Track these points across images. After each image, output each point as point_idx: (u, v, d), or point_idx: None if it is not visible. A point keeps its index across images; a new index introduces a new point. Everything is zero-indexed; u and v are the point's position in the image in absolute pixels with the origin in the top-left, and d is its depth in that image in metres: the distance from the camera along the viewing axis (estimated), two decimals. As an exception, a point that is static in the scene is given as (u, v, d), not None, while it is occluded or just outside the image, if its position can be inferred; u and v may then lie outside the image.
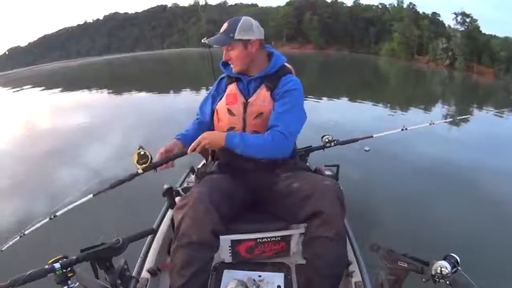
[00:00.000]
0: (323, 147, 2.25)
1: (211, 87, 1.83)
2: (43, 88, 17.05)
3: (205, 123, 1.77)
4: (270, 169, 1.61)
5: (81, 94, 14.24)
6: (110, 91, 14.39)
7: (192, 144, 1.48)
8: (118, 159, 4.92)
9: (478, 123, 7.75)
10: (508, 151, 5.71)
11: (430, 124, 2.64)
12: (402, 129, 2.51)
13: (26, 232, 1.88)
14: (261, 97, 1.57)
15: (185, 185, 2.20)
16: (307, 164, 2.06)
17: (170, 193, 1.84)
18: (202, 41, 1.66)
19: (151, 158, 1.54)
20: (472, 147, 5.95)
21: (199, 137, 1.47)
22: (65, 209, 2.00)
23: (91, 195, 1.93)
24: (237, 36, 1.52)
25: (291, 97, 1.54)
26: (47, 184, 4.28)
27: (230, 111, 1.60)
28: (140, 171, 1.57)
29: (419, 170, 4.51)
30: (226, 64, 1.68)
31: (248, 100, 1.58)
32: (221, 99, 1.67)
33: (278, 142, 1.45)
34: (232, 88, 1.63)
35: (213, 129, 1.71)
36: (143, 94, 12.97)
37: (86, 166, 4.89)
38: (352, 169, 3.98)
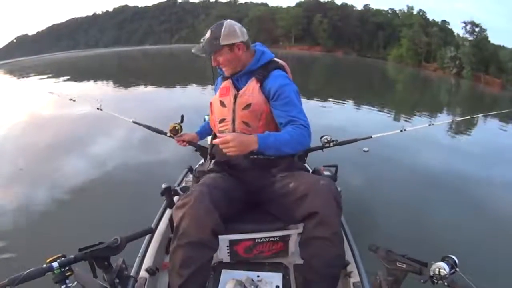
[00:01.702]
0: (321, 148, 2.25)
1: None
2: (50, 76, 17.08)
3: None
4: (267, 167, 1.61)
5: (88, 84, 14.28)
6: (117, 83, 14.40)
7: (218, 141, 1.40)
8: (124, 149, 5.02)
9: (477, 128, 7.79)
10: (506, 156, 5.72)
11: (429, 125, 2.65)
12: (401, 130, 2.51)
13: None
14: (250, 88, 1.59)
15: (183, 184, 2.21)
16: (306, 164, 2.06)
17: (168, 192, 1.83)
18: (201, 40, 1.67)
19: (179, 133, 2.10)
20: (471, 151, 5.97)
21: (226, 137, 1.37)
22: (109, 112, 2.68)
23: (131, 120, 2.49)
24: (222, 41, 1.54)
25: (288, 92, 1.56)
26: (50, 173, 4.35)
27: (222, 103, 1.65)
28: (168, 134, 2.14)
29: (418, 172, 4.52)
30: None
31: (238, 93, 1.61)
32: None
33: (306, 134, 1.49)
34: (226, 82, 1.69)
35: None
36: (150, 88, 12.95)
37: (89, 156, 4.95)
38: (352, 170, 3.99)
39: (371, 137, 2.44)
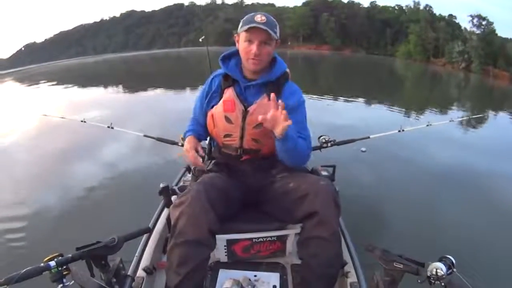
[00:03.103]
0: (319, 148, 2.25)
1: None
2: (59, 83, 17.16)
3: (201, 123, 1.71)
4: (267, 169, 1.61)
5: (97, 90, 14.38)
6: (126, 88, 14.43)
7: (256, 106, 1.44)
8: (121, 149, 5.01)
9: (480, 126, 7.77)
10: (505, 153, 5.72)
11: (427, 125, 2.65)
12: (399, 130, 2.52)
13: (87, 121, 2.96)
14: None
15: (181, 184, 2.21)
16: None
17: (166, 191, 1.83)
18: (200, 40, 1.64)
19: None
20: (470, 149, 5.95)
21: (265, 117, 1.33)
22: (120, 129, 2.78)
23: (142, 134, 2.58)
24: (277, 33, 1.46)
25: (303, 111, 1.57)
26: (49, 175, 4.40)
27: (227, 119, 1.53)
28: (180, 143, 2.09)
29: (416, 171, 4.53)
30: (225, 60, 1.59)
31: (248, 109, 1.51)
32: (216, 102, 1.58)
33: (308, 152, 1.53)
34: (229, 94, 1.54)
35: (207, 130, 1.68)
36: (158, 92, 12.96)
37: (88, 158, 4.93)
38: (349, 170, 3.99)
39: (369, 137, 2.45)
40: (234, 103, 1.52)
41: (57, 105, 9.79)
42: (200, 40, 2.25)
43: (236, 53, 1.56)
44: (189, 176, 2.32)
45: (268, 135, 1.49)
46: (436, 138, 5.80)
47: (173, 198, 1.89)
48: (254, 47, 1.43)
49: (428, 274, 1.04)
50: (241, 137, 1.55)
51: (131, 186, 3.86)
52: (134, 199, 3.34)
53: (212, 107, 1.60)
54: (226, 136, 1.58)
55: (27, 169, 4.59)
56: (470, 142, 6.61)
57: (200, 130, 1.70)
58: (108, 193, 3.73)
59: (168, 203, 1.88)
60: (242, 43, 1.46)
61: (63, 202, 3.51)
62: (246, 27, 1.41)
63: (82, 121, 2.92)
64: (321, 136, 2.25)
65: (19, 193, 3.77)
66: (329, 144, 2.24)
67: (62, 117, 3.11)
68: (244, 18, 1.47)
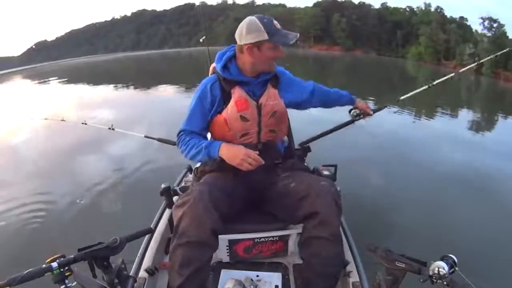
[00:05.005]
0: (352, 121, 2.12)
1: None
2: (68, 82, 17.27)
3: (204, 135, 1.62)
4: (271, 169, 1.61)
5: (104, 89, 14.55)
6: (133, 87, 14.59)
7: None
8: (122, 149, 5.03)
9: (484, 127, 7.73)
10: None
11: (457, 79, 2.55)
12: (429, 86, 2.37)
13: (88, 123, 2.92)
14: (272, 96, 1.54)
15: (182, 184, 2.20)
16: (305, 163, 2.05)
17: (167, 192, 1.83)
18: (201, 40, 1.64)
19: None
20: (476, 150, 5.91)
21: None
22: (121, 131, 2.82)
23: (142, 135, 2.60)
24: None
25: (298, 82, 1.75)
26: (51, 176, 4.46)
27: (243, 118, 1.49)
28: None
29: (419, 171, 4.50)
30: (225, 69, 1.53)
31: (260, 102, 1.51)
32: (221, 108, 1.53)
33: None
34: (239, 93, 1.51)
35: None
36: (164, 92, 13.10)
37: (89, 160, 4.98)
38: (351, 169, 3.97)
39: (398, 101, 2.33)
40: (247, 100, 1.50)
41: (62, 105, 9.87)
42: (201, 40, 2.23)
43: (230, 57, 1.54)
44: (190, 176, 2.31)
45: (281, 122, 1.57)
46: (441, 138, 5.78)
47: (175, 198, 1.89)
48: (281, 51, 1.49)
49: (430, 273, 1.03)
50: (259, 133, 1.54)
51: (132, 187, 3.86)
52: (135, 200, 3.35)
53: (219, 113, 1.54)
54: (242, 136, 1.53)
55: (28, 171, 4.61)
56: (476, 143, 6.58)
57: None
58: (109, 194, 3.74)
59: (169, 204, 1.88)
60: (268, 52, 1.45)
61: (64, 203, 3.52)
62: (280, 40, 1.44)
63: (83, 123, 2.91)
64: (352, 109, 2.08)
65: (21, 195, 3.77)
66: (361, 116, 2.12)
67: (63, 120, 3.11)
68: (260, 27, 1.42)
